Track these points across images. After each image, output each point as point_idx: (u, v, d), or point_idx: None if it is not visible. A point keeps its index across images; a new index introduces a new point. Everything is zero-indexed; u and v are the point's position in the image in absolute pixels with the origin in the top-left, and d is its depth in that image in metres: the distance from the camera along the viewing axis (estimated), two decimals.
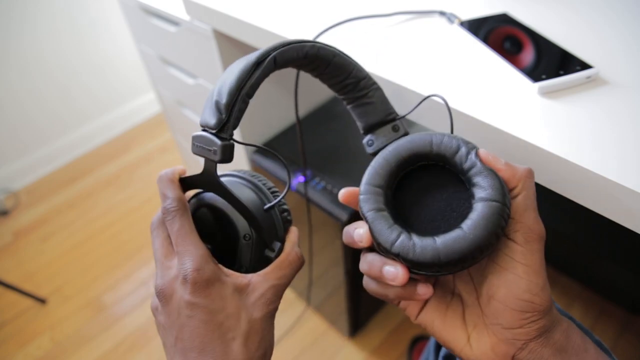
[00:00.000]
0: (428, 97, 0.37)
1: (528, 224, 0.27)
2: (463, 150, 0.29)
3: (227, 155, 0.29)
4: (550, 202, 1.15)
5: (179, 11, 0.78)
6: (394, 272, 0.28)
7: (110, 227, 1.56)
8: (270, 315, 0.31)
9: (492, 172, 0.28)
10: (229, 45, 0.74)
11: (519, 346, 0.28)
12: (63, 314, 1.31)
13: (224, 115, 0.29)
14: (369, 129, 0.35)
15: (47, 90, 1.70)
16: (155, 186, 1.69)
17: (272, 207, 0.34)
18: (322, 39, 0.49)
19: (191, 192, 0.34)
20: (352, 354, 1.11)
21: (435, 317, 0.31)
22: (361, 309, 1.06)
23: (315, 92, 0.94)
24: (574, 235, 1.09)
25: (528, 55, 0.41)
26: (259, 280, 0.31)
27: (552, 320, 0.28)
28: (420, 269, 0.28)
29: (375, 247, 0.30)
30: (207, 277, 0.29)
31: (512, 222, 0.28)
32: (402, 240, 0.28)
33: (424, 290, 0.29)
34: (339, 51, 0.33)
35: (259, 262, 0.33)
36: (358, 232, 0.30)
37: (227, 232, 0.33)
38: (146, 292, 1.34)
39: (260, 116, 0.86)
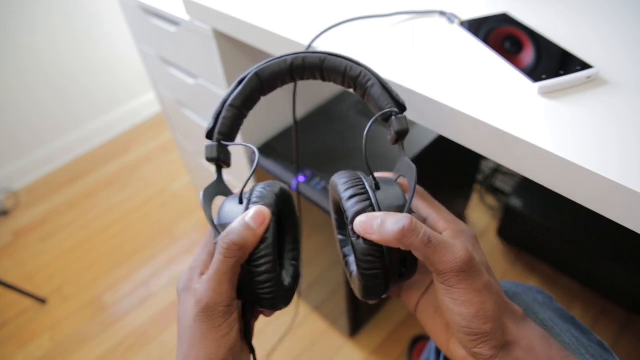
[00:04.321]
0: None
1: (438, 268, 0.27)
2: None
3: (213, 154, 0.34)
4: (550, 202, 1.15)
5: (179, 11, 0.78)
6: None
7: (110, 227, 1.56)
8: None
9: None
10: (229, 45, 0.74)
11: None
12: (63, 314, 1.31)
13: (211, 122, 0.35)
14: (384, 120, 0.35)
15: (46, 92, 1.70)
16: (155, 186, 1.69)
17: None
18: (322, 39, 0.49)
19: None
20: (352, 354, 1.11)
21: (424, 318, 0.34)
22: (361, 309, 1.06)
23: (316, 92, 0.94)
24: (574, 235, 1.09)
25: (528, 55, 0.41)
26: None
27: (503, 341, 0.28)
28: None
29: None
30: (206, 315, 0.30)
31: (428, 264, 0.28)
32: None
33: None
34: (328, 54, 0.33)
35: None
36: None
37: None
38: (146, 292, 1.34)
39: (261, 116, 0.86)
